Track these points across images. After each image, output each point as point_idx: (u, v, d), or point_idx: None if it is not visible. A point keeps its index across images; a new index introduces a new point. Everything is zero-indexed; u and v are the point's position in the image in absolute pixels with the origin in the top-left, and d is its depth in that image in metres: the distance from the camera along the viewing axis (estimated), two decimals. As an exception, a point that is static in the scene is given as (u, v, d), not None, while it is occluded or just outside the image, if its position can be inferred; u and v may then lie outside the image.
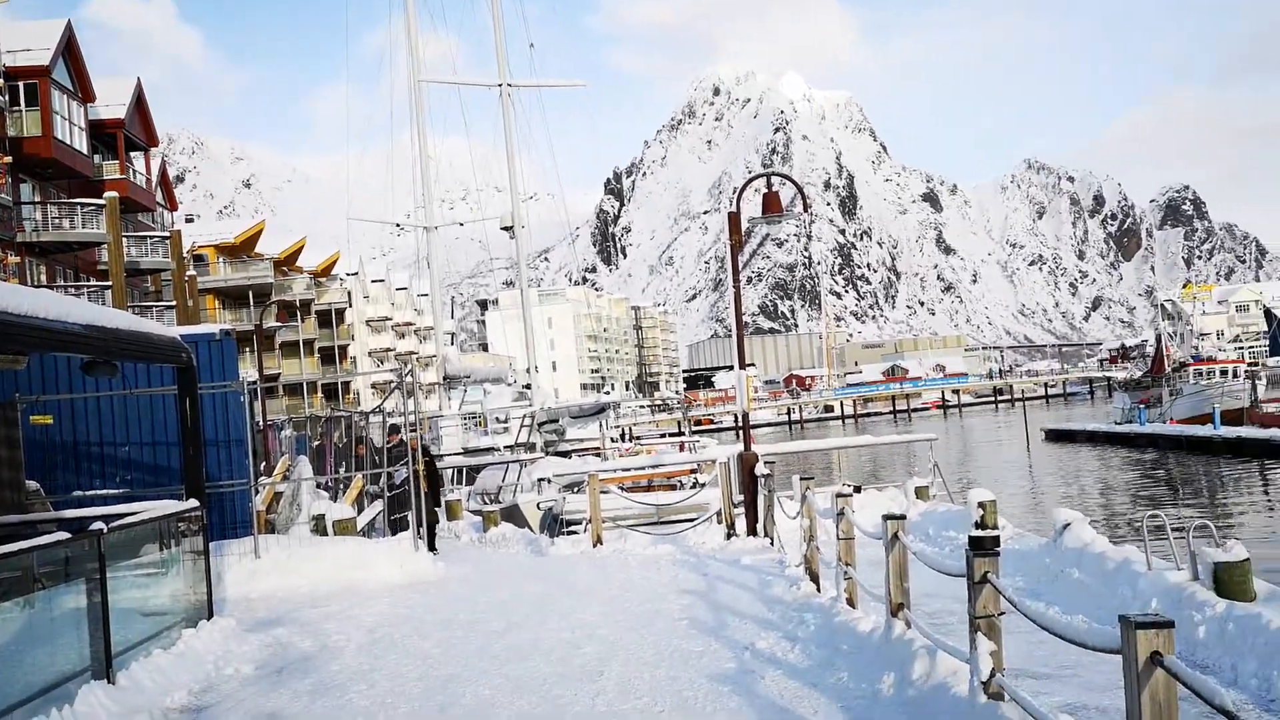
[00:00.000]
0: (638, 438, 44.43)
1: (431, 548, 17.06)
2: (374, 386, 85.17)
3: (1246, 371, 61.61)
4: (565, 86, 35.07)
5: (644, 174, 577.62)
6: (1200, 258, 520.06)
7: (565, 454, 26.59)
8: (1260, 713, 7.36)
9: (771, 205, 17.15)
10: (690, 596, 12.66)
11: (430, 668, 9.75)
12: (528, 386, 31.55)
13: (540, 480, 21.73)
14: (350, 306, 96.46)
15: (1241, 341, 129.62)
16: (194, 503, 11.25)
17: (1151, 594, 9.88)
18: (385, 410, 20.29)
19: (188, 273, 44.50)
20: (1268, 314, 68.71)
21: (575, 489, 21.44)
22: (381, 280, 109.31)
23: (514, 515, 21.02)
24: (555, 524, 20.44)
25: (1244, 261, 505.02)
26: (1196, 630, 8.86)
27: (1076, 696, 7.93)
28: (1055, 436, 62.82)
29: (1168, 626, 4.33)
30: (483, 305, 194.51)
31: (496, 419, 32.39)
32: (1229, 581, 9.23)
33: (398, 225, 37.45)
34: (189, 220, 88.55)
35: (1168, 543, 10.98)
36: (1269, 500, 30.61)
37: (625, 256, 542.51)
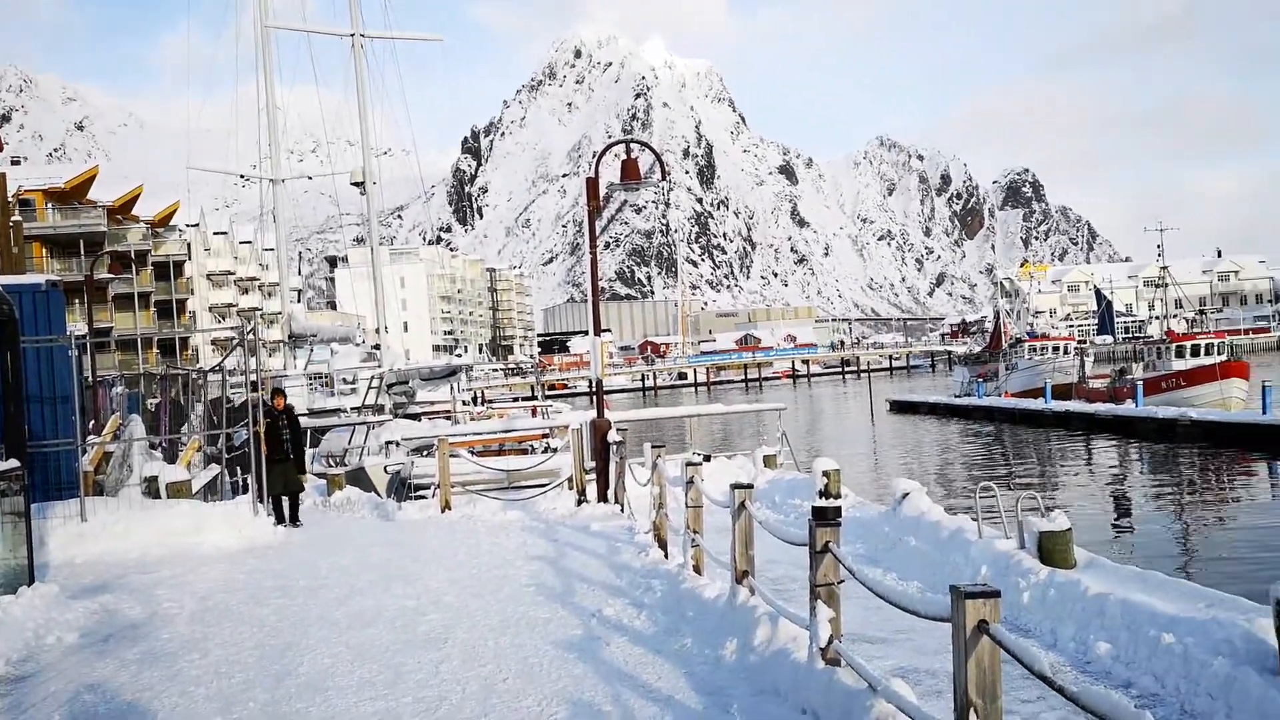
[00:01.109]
0: (490, 402, 44.07)
1: (294, 519, 16.51)
2: (214, 343, 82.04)
3: (1076, 349, 64.78)
4: (421, 40, 34.23)
5: (503, 134, 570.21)
6: (1038, 238, 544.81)
7: (415, 417, 26.18)
8: (1077, 674, 7.75)
9: (630, 172, 17.11)
10: (539, 563, 12.62)
11: (267, 636, 9.46)
12: (377, 347, 30.88)
13: (388, 443, 21.31)
14: (190, 259, 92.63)
15: (1072, 320, 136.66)
16: (14, 462, 10.63)
17: (982, 561, 10.30)
18: (225, 368, 19.54)
19: (12, 218, 41.81)
20: (1097, 294, 72.33)
21: (424, 452, 21.11)
22: (224, 233, 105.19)
23: (360, 479, 20.59)
24: (403, 488, 20.09)
25: (1077, 244, 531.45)
26: (1021, 596, 9.27)
27: (910, 660, 8.21)
28: (899, 408, 64.93)
29: (994, 596, 4.48)
30: (332, 262, 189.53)
31: (344, 379, 31.61)
32: (1052, 550, 9.69)
33: (242, 176, 35.93)
34: (15, 163, 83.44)
35: (998, 512, 11.48)
36: (1092, 471, 32.39)
37: (481, 217, 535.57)
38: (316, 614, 10.28)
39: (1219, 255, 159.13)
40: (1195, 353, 49.69)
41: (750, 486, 8.93)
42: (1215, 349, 50.36)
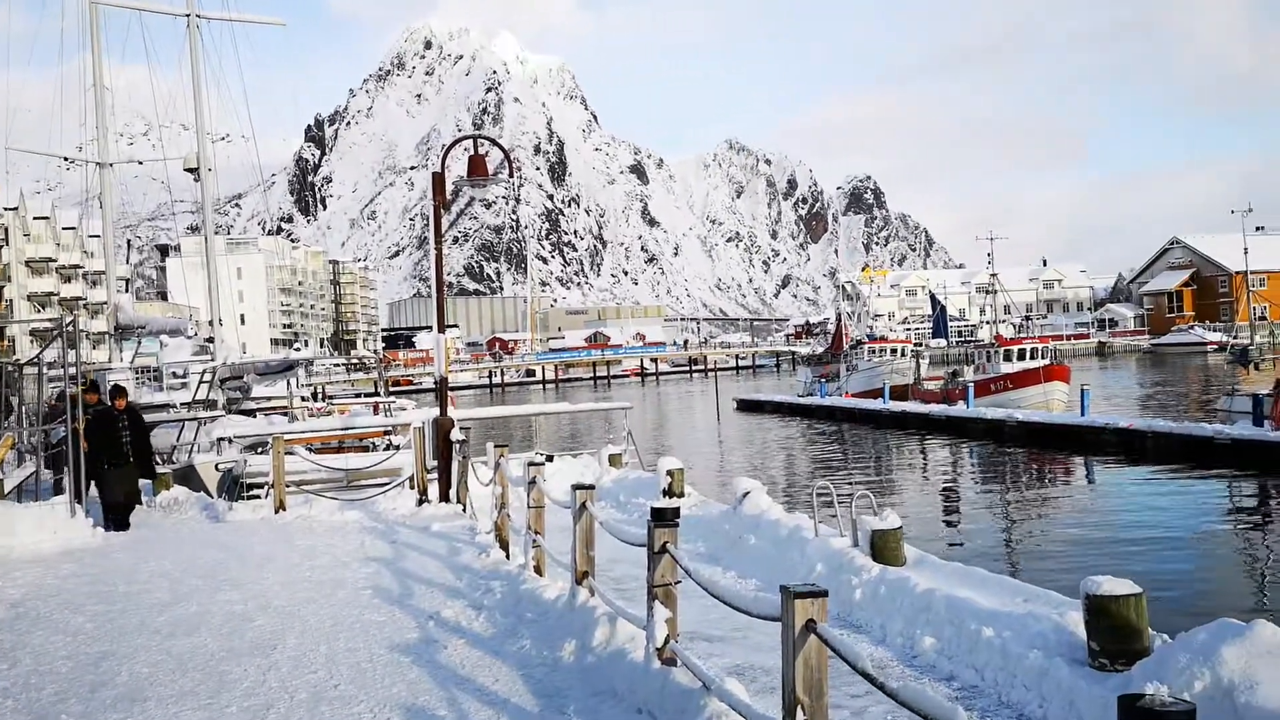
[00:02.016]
0: (330, 397, 42.91)
1: (122, 525, 15.62)
2: (34, 334, 77.49)
3: (912, 351, 67.08)
4: (262, 23, 33.07)
5: (348, 123, 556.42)
6: (878, 244, 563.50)
7: (250, 413, 25.26)
8: (904, 668, 8.00)
9: (477, 168, 16.88)
10: (376, 565, 12.32)
11: (82, 644, 8.95)
12: (210, 340, 29.67)
13: (220, 440, 20.48)
14: (7, 245, 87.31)
15: (909, 323, 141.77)
16: None
17: (817, 559, 10.54)
18: (44, 361, 18.42)
19: None
20: (932, 299, 75.29)
21: (259, 450, 20.38)
22: (46, 218, 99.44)
23: (189, 478, 19.74)
24: (235, 487, 19.34)
25: (915, 250, 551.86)
26: (854, 593, 9.52)
27: (745, 658, 8.33)
28: (745, 406, 66.07)
29: (822, 596, 4.56)
30: (163, 251, 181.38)
31: (173, 374, 30.25)
32: (883, 548, 10.00)
33: (66, 159, 33.97)
34: None
35: (834, 511, 11.78)
36: (925, 470, 33.68)
37: (325, 208, 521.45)
38: (137, 621, 9.79)
39: (1044, 264, 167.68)
40: (1021, 356, 52.14)
41: (592, 487, 8.90)
42: (1040, 353, 53.00)
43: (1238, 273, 78.68)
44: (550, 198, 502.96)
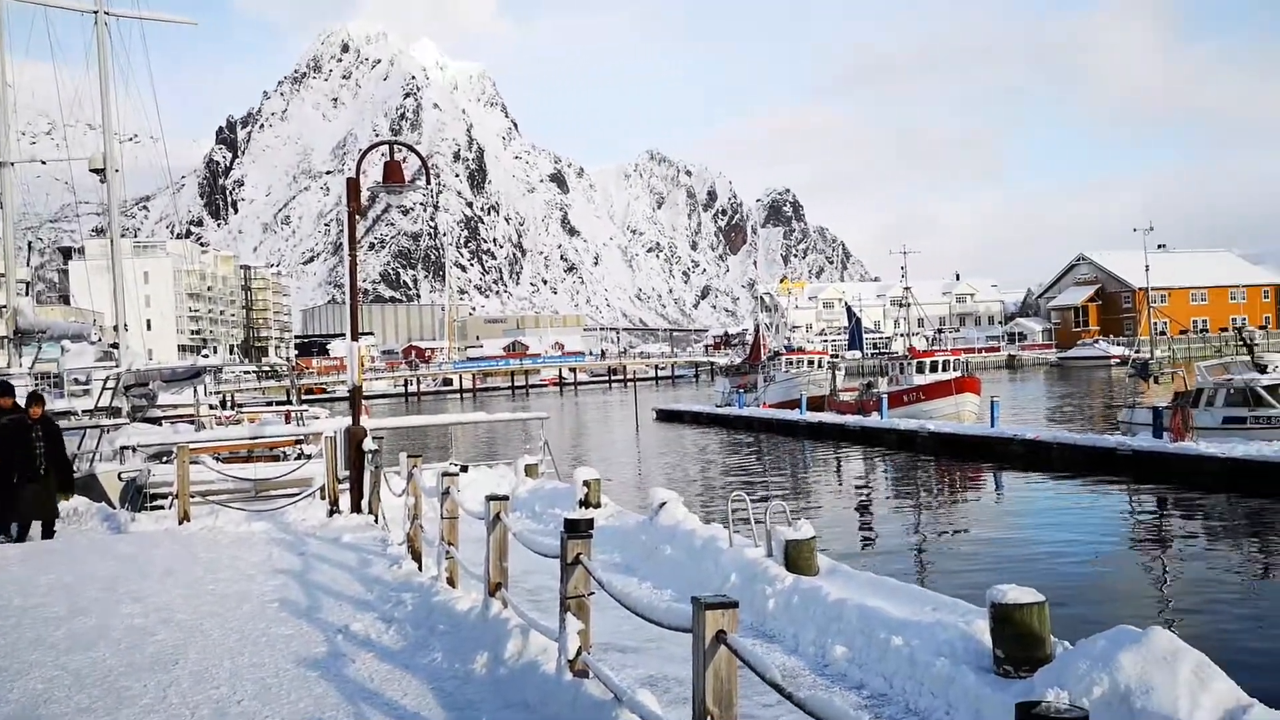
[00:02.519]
0: (240, 406, 41.97)
1: (21, 537, 14.99)
2: (-71, 338, 74.33)
3: (828, 363, 67.93)
4: (173, 22, 32.34)
5: (262, 126, 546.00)
6: (796, 256, 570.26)
7: (155, 420, 24.58)
8: (815, 677, 8.07)
9: (393, 175, 16.67)
10: (284, 577, 12.06)
11: (-29, 662, 8.59)
12: (115, 346, 28.82)
13: (123, 449, 19.87)
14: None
15: (826, 335, 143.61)
16: None
17: (732, 569, 10.59)
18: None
19: None
20: (848, 311, 76.48)
21: (164, 459, 19.82)
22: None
23: (91, 487, 19.10)
24: (138, 497, 18.78)
25: (832, 262, 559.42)
26: (767, 603, 9.59)
27: (659, 668, 8.32)
28: (665, 417, 66.19)
29: (732, 607, 4.58)
30: (66, 253, 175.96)
31: (75, 380, 29.31)
32: (797, 557, 10.09)
33: (-37, 156, 32.76)
34: None
35: (749, 521, 11.85)
36: (840, 480, 34.09)
37: (237, 212, 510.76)
38: (32, 635, 9.44)
39: (957, 278, 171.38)
40: (934, 369, 53.12)
41: (506, 498, 8.83)
42: (951, 366, 54.07)
43: (1140, 289, 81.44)
44: (469, 205, 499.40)
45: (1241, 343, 37.74)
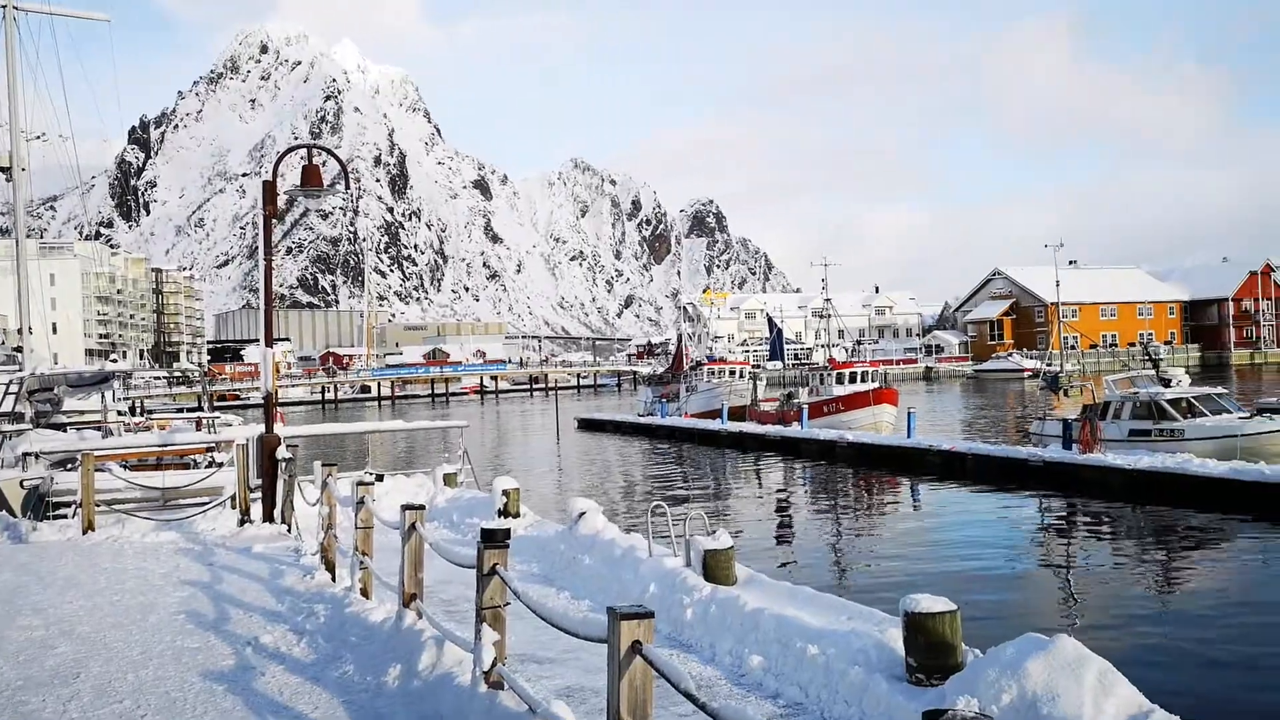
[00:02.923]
0: (150, 412, 40.88)
1: None
2: None
3: (750, 373, 68.39)
4: (84, 18, 31.47)
5: (176, 126, 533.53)
6: (719, 266, 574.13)
7: (60, 427, 23.79)
8: (731, 686, 8.08)
9: (312, 178, 16.39)
10: (191, 588, 11.75)
11: None
12: (19, 349, 27.88)
13: (26, 455, 19.19)
14: None
15: (748, 345, 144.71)
16: None
17: (651, 579, 10.57)
18: None
19: None
20: (770, 322, 77.07)
21: (68, 466, 19.19)
22: None
23: (-10, 496, 18.41)
24: (41, 506, 18.14)
25: (755, 273, 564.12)
26: (685, 613, 9.59)
27: (576, 679, 8.27)
28: (587, 426, 66.07)
29: (648, 617, 4.56)
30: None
31: (-25, 385, 28.21)
32: (715, 567, 10.11)
33: None
34: None
35: (669, 531, 11.85)
36: (760, 490, 34.32)
37: (149, 213, 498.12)
38: (-80, 651, 9.05)
39: (876, 291, 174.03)
40: (853, 380, 53.81)
41: (422, 508, 8.70)
42: (870, 377, 54.83)
43: (1052, 304, 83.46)
44: (390, 210, 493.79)
45: (1147, 358, 38.91)
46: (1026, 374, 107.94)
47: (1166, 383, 33.60)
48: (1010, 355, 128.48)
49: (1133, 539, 22.51)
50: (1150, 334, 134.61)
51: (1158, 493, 26.02)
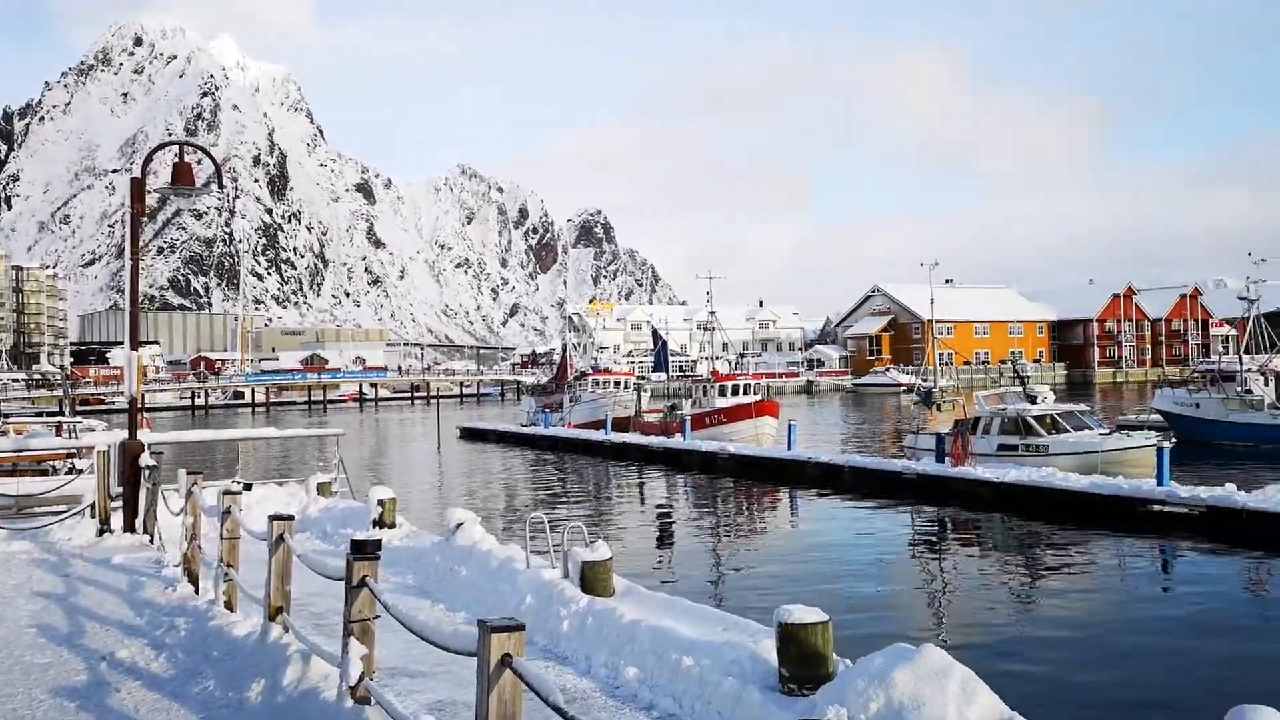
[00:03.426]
0: (6, 416, 38.96)
1: None
2: None
3: (635, 384, 68.52)
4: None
5: (42, 119, 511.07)
6: (606, 277, 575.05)
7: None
8: (606, 698, 8.04)
9: (184, 177, 15.85)
10: (44, 600, 11.20)
11: None
12: None
13: None
14: None
15: (633, 357, 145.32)
16: None
17: (528, 591, 10.47)
18: None
19: None
20: (654, 334, 77.60)
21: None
22: None
23: None
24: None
25: (641, 285, 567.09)
26: (561, 625, 9.51)
27: (448, 693, 8.12)
28: (469, 435, 65.28)
29: (519, 630, 4.49)
30: None
31: None
32: (593, 579, 10.07)
33: None
34: None
35: (548, 542, 11.75)
36: (642, 501, 34.41)
37: (9, 208, 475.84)
38: None
39: (760, 305, 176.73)
40: (735, 392, 54.40)
41: (290, 518, 8.45)
42: (752, 389, 55.52)
43: (928, 321, 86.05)
44: (269, 212, 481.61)
45: (1015, 375, 40.34)
46: (902, 389, 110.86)
47: (1033, 400, 34.89)
48: (887, 370, 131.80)
49: (999, 550, 23.26)
50: (1020, 352, 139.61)
51: (1024, 505, 26.96)
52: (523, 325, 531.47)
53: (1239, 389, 44.35)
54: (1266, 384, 44.56)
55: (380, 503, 14.92)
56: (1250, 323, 49.72)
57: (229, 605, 9.96)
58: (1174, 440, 32.18)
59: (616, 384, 67.57)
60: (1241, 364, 46.27)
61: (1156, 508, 24.59)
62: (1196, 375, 50.10)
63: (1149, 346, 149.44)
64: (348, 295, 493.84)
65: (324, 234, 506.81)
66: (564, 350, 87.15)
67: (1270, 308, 59.48)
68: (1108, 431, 34.15)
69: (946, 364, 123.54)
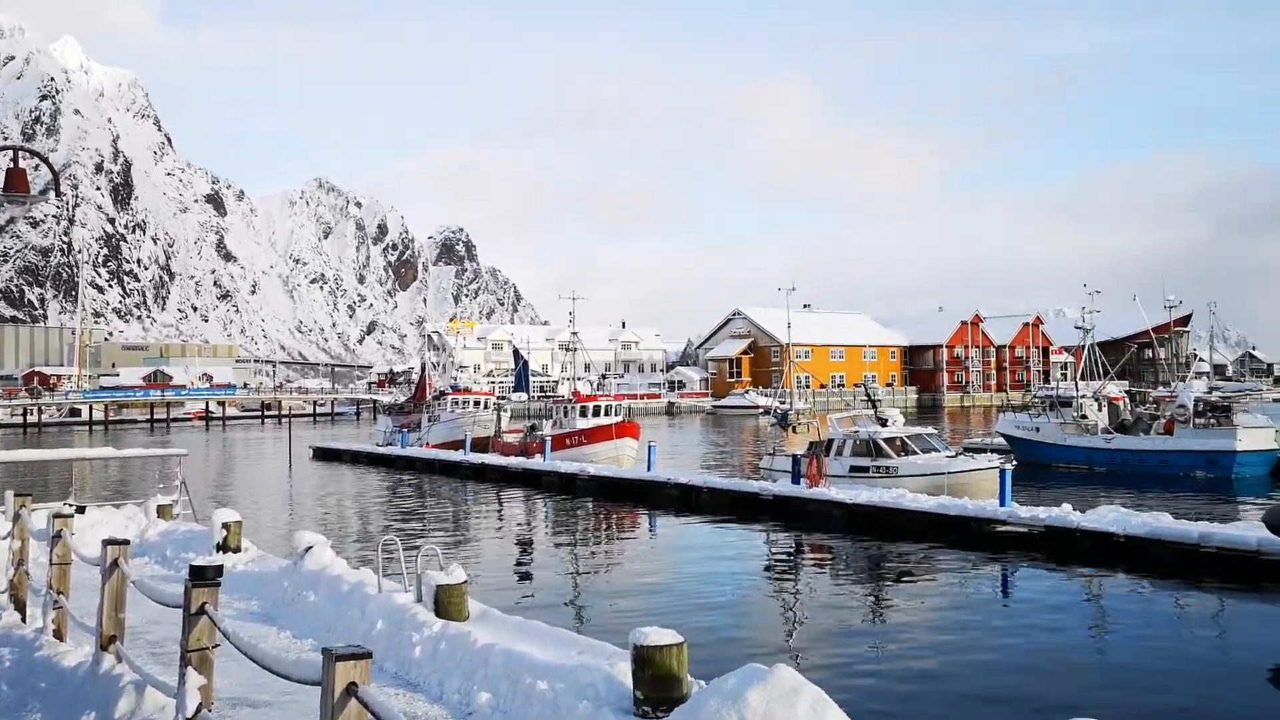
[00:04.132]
0: None
1: None
2: None
3: (494, 404, 67.94)
4: None
5: None
6: (468, 296, 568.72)
7: None
8: (459, 725, 7.89)
9: (17, 183, 15.02)
10: None
11: None
12: None
13: None
14: None
15: (494, 376, 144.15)
16: None
17: (379, 616, 10.21)
18: None
19: None
20: (515, 353, 77.22)
21: None
22: None
23: None
24: None
25: (503, 304, 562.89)
26: (414, 650, 9.30)
27: (293, 724, 7.84)
28: (322, 455, 63.59)
29: (365, 657, 4.36)
30: None
31: None
32: (447, 603, 9.88)
33: None
34: None
35: (400, 565, 11.50)
36: (501, 523, 34.03)
37: None
38: None
39: (623, 326, 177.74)
40: (596, 413, 54.46)
41: (126, 542, 8.05)
42: (613, 410, 55.68)
43: (786, 344, 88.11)
44: (111, 221, 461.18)
45: (867, 398, 41.57)
46: (760, 411, 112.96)
47: (883, 423, 36.00)
48: (747, 393, 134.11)
49: (851, 569, 23.84)
50: (874, 376, 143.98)
51: (875, 525, 27.74)
52: (380, 343, 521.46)
53: (1075, 414, 46.67)
54: (1100, 409, 47.04)
55: (225, 526, 14.37)
56: (1085, 350, 52.45)
57: (59, 634, 9.42)
58: (1015, 462, 33.61)
59: (476, 404, 66.91)
60: (1077, 390, 48.71)
61: (999, 527, 25.65)
62: (1036, 400, 52.48)
63: (994, 372, 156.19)
64: (195, 309, 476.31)
65: (171, 245, 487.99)
66: (423, 369, 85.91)
67: (1104, 336, 62.85)
68: (954, 454, 35.46)
69: (805, 387, 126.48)
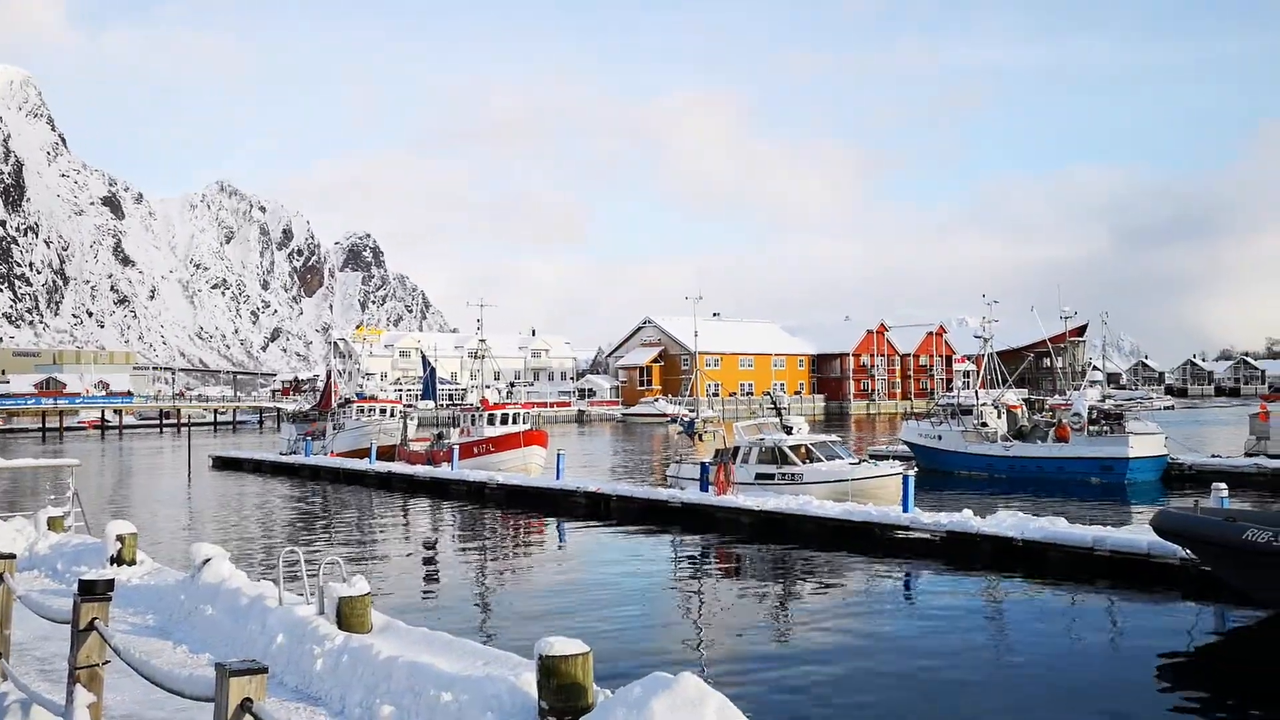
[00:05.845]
0: None
1: None
2: None
3: (401, 412, 67.14)
4: None
5: None
6: (375, 302, 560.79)
7: None
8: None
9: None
10: None
11: None
12: None
13: None
14: None
15: (402, 384, 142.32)
16: None
17: (279, 630, 10.01)
18: None
19: None
20: (424, 360, 76.20)
21: None
22: None
23: None
24: None
25: (412, 311, 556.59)
26: (315, 664, 9.14)
27: (188, 741, 7.64)
28: (223, 464, 62.09)
29: (260, 673, 4.28)
30: None
31: None
32: (350, 615, 9.73)
33: None
34: None
35: (302, 577, 11.28)
36: (408, 533, 33.58)
37: None
38: None
39: (533, 334, 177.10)
40: (505, 421, 54.14)
41: (12, 556, 7.76)
42: (522, 418, 55.42)
43: (694, 352, 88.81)
44: (2, 224, 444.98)
45: (773, 406, 42.06)
46: (668, 419, 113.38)
47: (789, 430, 36.46)
48: (656, 401, 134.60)
49: (758, 576, 24.07)
50: (783, 384, 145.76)
51: (782, 532, 28.07)
52: (285, 350, 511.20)
53: (976, 421, 47.83)
54: (999, 417, 48.28)
55: (119, 538, 13.94)
56: (985, 359, 53.80)
57: (-64, 655, 9.02)
58: (918, 469, 34.32)
59: (382, 411, 66.05)
60: (978, 398, 49.95)
61: (901, 533, 26.17)
62: (938, 409, 53.64)
63: (900, 380, 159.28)
64: (90, 315, 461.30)
65: (65, 249, 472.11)
66: (328, 376, 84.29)
67: (1003, 346, 64.57)
68: (857, 461, 36.08)
69: (715, 394, 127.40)
